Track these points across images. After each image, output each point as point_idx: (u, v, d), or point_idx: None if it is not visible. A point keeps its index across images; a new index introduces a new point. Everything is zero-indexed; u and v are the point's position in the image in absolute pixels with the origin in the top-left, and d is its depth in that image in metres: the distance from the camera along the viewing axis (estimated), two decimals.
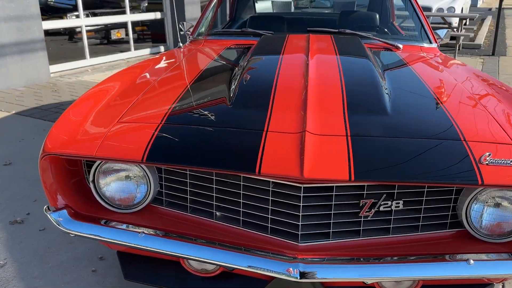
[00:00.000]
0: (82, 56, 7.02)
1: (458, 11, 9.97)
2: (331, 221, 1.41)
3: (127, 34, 7.86)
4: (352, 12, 3.61)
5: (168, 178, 1.56)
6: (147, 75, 2.13)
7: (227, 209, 1.52)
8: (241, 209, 1.48)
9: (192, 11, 8.41)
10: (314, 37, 2.58)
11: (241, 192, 1.45)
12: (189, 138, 1.47)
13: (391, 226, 1.45)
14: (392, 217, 1.44)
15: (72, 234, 1.54)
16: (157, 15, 8.28)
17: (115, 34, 7.78)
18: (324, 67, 1.97)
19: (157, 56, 2.63)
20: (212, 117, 1.59)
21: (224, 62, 2.37)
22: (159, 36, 8.58)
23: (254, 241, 1.46)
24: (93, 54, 7.22)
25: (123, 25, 7.75)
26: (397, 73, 2.16)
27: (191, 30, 3.28)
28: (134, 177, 1.54)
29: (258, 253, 1.39)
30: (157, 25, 8.46)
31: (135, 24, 7.95)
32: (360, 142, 1.40)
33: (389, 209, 1.42)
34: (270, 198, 1.41)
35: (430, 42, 2.88)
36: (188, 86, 1.91)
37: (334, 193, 1.38)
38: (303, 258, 1.37)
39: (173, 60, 2.48)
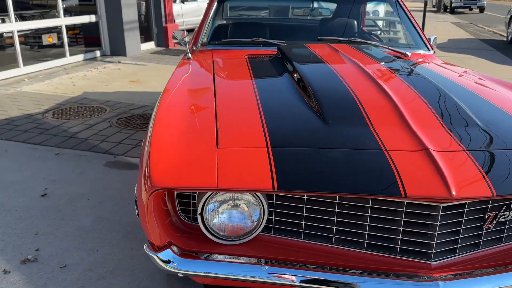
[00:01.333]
0: (15, 65, 6.36)
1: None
2: (460, 236, 1.44)
3: (59, 39, 7.28)
4: (332, 19, 3.70)
5: (281, 204, 1.48)
6: (201, 93, 1.99)
7: (349, 233, 1.48)
8: (366, 232, 1.45)
9: (129, 14, 8.01)
10: (338, 46, 2.60)
11: (369, 214, 1.42)
12: (311, 161, 1.41)
13: (504, 235, 1.52)
14: (506, 226, 1.51)
15: (181, 274, 1.40)
16: (91, 18, 7.76)
17: (47, 39, 7.16)
18: (387, 79, 2.00)
19: (181, 68, 2.46)
20: (317, 136, 1.54)
21: (268, 74, 2.28)
22: (93, 40, 8.06)
23: (380, 263, 1.44)
24: (26, 61, 6.57)
25: (54, 29, 7.15)
26: (442, 82, 2.25)
27: (187, 38, 3.13)
28: (248, 205, 1.43)
29: (393, 276, 1.38)
30: (91, 28, 7.94)
31: (68, 28, 7.38)
32: (481, 156, 1.44)
33: (506, 219, 1.48)
34: (403, 219, 1.40)
35: (428, 50, 3.04)
36: (259, 102, 1.82)
37: (466, 209, 1.40)
38: (441, 276, 1.38)
39: (208, 73, 2.34)
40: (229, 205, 1.43)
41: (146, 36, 9.07)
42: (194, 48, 2.96)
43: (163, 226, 1.43)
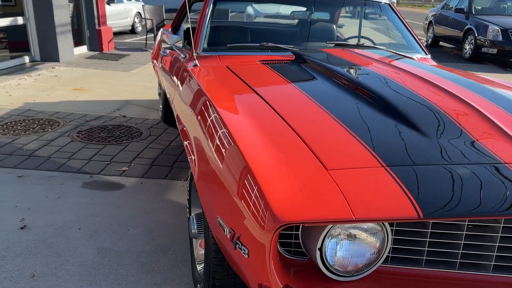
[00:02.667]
0: None
1: None
2: None
3: None
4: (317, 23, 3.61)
5: (403, 230, 1.33)
6: (257, 108, 1.75)
7: (475, 256, 1.36)
8: (495, 254, 1.34)
9: (61, 16, 7.33)
10: (360, 52, 2.52)
11: (499, 235, 1.32)
12: (440, 181, 1.27)
13: None
14: None
15: None
16: (17, 20, 6.97)
17: None
18: (452, 86, 1.94)
19: (202, 79, 2.20)
20: (427, 152, 1.41)
21: (311, 83, 2.11)
22: (20, 45, 7.25)
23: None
24: None
25: None
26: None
27: (180, 43, 2.85)
28: (374, 234, 1.26)
29: None
30: (17, 32, 7.14)
31: None
32: None
33: None
34: None
35: (426, 54, 3.07)
36: (331, 115, 1.65)
37: None
38: None
39: (241, 84, 2.11)
40: (353, 236, 1.25)
41: (77, 40, 8.38)
42: (194, 55, 2.69)
43: (278, 266, 1.22)
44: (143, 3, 14.34)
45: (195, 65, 2.52)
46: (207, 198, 1.56)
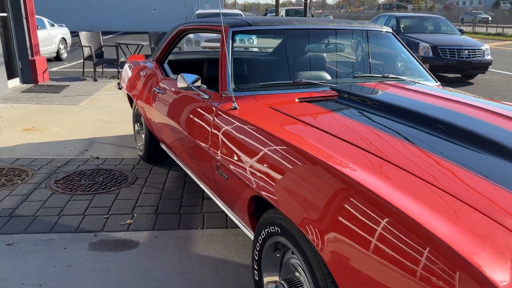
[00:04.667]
0: None
1: None
2: None
3: None
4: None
5: None
6: (376, 165, 1.58)
7: None
8: None
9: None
10: (402, 85, 2.48)
11: None
12: None
13: None
14: None
15: None
16: None
17: None
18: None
19: (269, 124, 2.00)
20: None
21: (391, 122, 2.00)
22: None
23: None
24: None
25: None
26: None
27: (197, 83, 2.62)
28: None
29: None
30: None
31: None
32: None
33: None
34: None
35: (436, 81, 3.12)
36: (463, 168, 1.54)
37: None
38: None
39: (320, 131, 1.92)
40: None
41: (8, 72, 7.59)
42: (223, 95, 2.48)
43: None
44: (67, 29, 13.51)
45: (234, 108, 2.31)
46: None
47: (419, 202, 1.30)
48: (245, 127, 2.10)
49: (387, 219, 1.25)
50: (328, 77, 2.75)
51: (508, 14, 38.68)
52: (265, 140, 1.90)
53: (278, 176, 1.73)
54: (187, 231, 2.94)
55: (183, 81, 2.64)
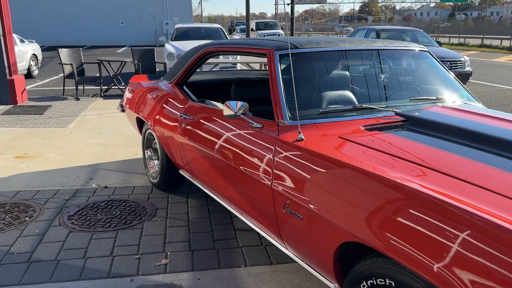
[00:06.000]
0: None
1: None
2: None
3: None
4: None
5: None
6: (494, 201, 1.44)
7: None
8: None
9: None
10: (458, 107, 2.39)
11: None
12: None
13: None
14: None
15: None
16: None
17: None
18: None
19: (351, 157, 1.81)
20: None
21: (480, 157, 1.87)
22: None
23: None
24: None
25: None
26: None
27: (246, 110, 2.41)
28: None
29: None
30: None
31: None
32: None
33: None
34: None
35: (478, 101, 3.03)
36: None
37: None
38: None
39: (404, 163, 1.77)
40: None
41: None
42: (280, 124, 2.29)
43: None
44: (37, 45, 12.94)
45: (301, 139, 2.11)
46: None
47: None
48: (324, 161, 1.90)
49: None
50: (384, 100, 2.61)
51: (463, 24, 40.38)
52: (360, 177, 1.71)
53: (387, 218, 1.55)
54: (230, 270, 2.70)
55: (229, 109, 2.43)
